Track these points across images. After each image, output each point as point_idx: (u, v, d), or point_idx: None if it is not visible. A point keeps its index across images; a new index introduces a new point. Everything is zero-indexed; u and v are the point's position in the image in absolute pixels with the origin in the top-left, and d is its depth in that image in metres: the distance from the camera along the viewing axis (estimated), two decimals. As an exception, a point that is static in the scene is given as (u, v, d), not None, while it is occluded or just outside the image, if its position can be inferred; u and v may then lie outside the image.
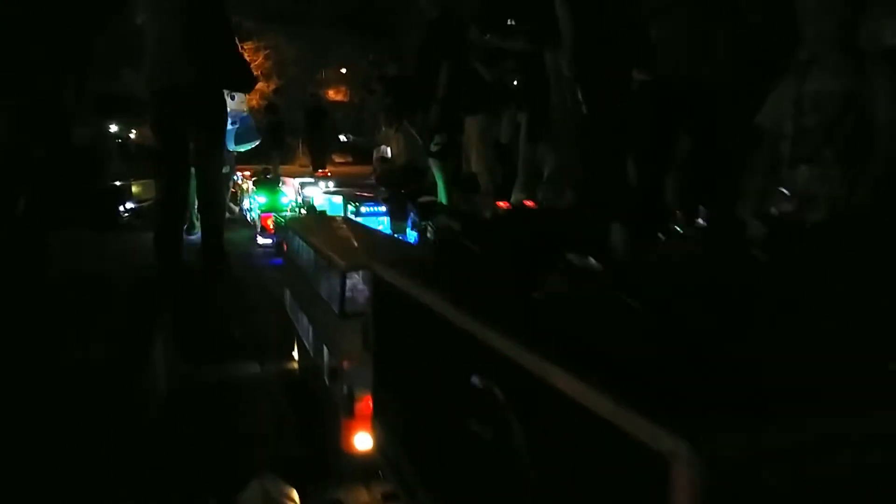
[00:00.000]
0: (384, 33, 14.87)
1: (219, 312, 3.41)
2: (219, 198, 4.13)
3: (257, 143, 6.00)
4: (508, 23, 5.07)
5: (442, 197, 6.27)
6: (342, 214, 4.91)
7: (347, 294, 1.77)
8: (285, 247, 2.87)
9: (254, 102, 12.22)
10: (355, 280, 1.78)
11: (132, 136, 16.32)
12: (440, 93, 5.73)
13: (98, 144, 10.34)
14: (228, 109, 4.37)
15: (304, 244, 2.34)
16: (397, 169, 8.19)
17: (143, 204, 7.14)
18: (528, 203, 1.26)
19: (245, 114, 5.57)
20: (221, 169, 4.20)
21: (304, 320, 2.34)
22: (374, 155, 10.56)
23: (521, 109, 6.01)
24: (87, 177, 7.36)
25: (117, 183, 7.10)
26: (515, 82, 6.13)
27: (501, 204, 1.22)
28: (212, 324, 3.22)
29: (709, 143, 3.54)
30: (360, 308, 1.76)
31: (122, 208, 6.88)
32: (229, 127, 4.96)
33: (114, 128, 16.13)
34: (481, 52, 6.02)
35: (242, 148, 5.83)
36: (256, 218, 5.44)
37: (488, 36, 5.11)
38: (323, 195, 5.53)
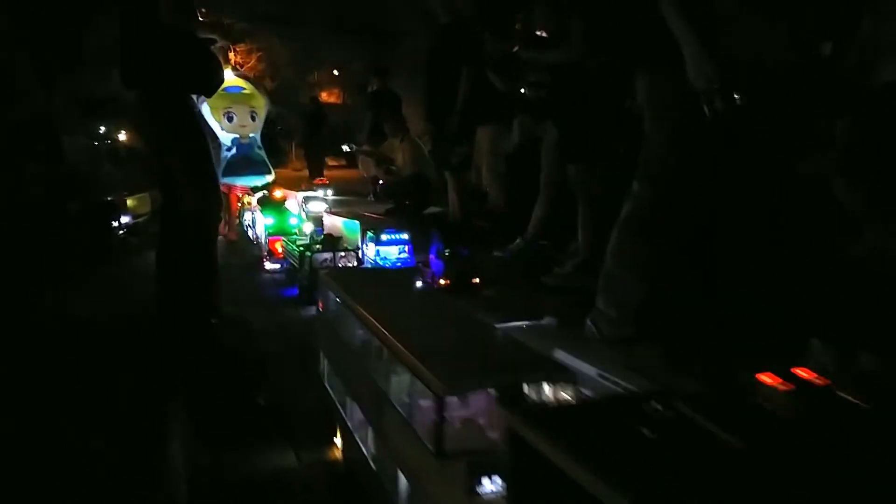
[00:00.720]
0: (378, 36, 14.35)
1: (235, 369, 2.91)
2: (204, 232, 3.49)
3: (262, 179, 4.60)
4: (540, 33, 4.60)
5: (458, 211, 5.78)
6: (358, 241, 4.40)
7: (447, 424, 1.28)
8: (321, 304, 2.37)
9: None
10: (458, 408, 1.30)
11: (122, 137, 15.72)
12: (460, 103, 5.24)
13: (89, 152, 9.77)
14: (226, 132, 3.81)
15: (360, 319, 1.85)
16: (403, 180, 7.71)
17: (139, 219, 6.60)
18: (806, 373, 0.80)
19: (246, 141, 4.27)
20: (206, 189, 3.48)
21: (357, 415, 1.85)
22: (360, 158, 10.08)
23: (538, 121, 5.54)
24: (78, 191, 6.83)
25: (110, 198, 6.52)
26: (526, 92, 5.68)
27: (775, 381, 0.76)
28: (229, 386, 2.72)
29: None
30: (464, 446, 1.28)
31: (116, 224, 6.31)
32: (223, 153, 4.26)
33: (102, 128, 15.52)
34: (494, 61, 5.55)
35: (238, 181, 4.60)
36: (263, 241, 4.92)
37: (517, 48, 4.61)
38: (334, 216, 5.00)
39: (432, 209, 7.42)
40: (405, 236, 4.19)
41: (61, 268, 4.62)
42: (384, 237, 4.14)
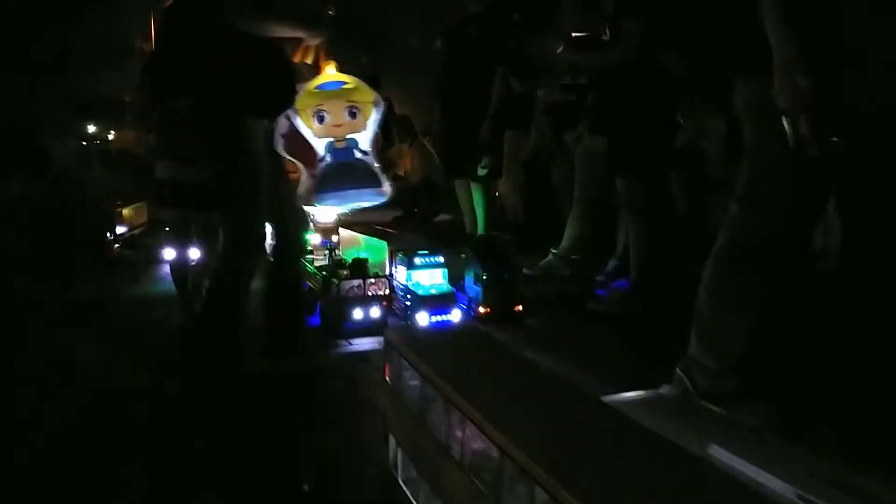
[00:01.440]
0: (372, 36, 13.71)
1: (263, 433, 2.33)
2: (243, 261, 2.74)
3: (372, 197, 2.93)
4: (580, 34, 4.05)
5: (480, 224, 5.21)
6: (385, 264, 3.83)
7: None
8: (388, 371, 1.81)
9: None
10: None
11: (111, 137, 14.98)
12: (493, 108, 4.69)
13: (79, 155, 9.12)
14: (318, 138, 2.74)
15: (472, 422, 1.30)
16: (411, 186, 7.15)
17: (135, 230, 5.98)
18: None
19: (343, 145, 2.79)
20: (253, 218, 2.72)
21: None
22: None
23: (569, 127, 4.98)
24: (68, 200, 6.23)
25: (104, 209, 5.87)
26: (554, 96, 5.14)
27: None
28: (262, 459, 2.15)
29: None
30: None
31: (110, 235, 5.66)
32: (320, 166, 2.85)
33: (91, 128, 14.78)
34: (512, 61, 5.00)
35: (335, 202, 2.96)
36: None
37: (561, 48, 4.06)
38: (350, 231, 4.39)
39: (443, 216, 6.87)
40: (440, 258, 3.63)
41: (52, 295, 4.01)
42: (417, 260, 3.59)
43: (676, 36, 3.46)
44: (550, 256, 4.72)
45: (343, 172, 2.70)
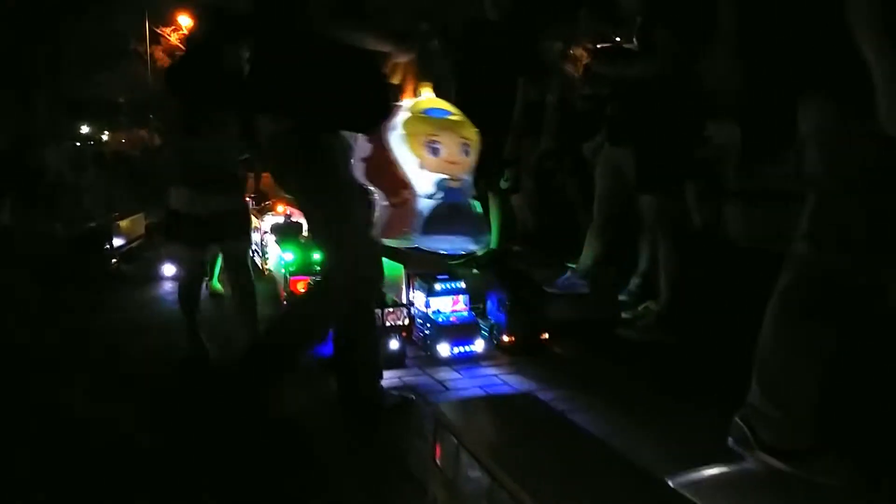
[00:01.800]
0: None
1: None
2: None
3: (475, 244, 2.46)
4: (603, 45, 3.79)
5: (495, 238, 4.93)
6: (402, 289, 3.56)
7: None
8: (439, 451, 1.55)
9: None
10: None
11: (104, 137, 14.68)
12: (516, 120, 4.43)
13: (75, 158, 8.84)
14: (428, 171, 2.32)
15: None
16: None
17: (133, 242, 5.68)
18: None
19: (457, 185, 2.34)
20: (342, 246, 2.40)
21: None
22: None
23: (587, 138, 4.72)
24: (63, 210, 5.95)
25: (98, 221, 5.58)
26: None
27: None
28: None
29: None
30: None
31: (107, 246, 5.35)
32: (419, 203, 2.31)
33: (85, 129, 14.48)
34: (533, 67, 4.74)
35: (440, 245, 2.44)
36: (282, 280, 4.05)
37: (589, 60, 3.80)
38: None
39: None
40: (462, 284, 3.37)
41: (47, 322, 3.73)
42: (437, 286, 3.32)
43: (727, 47, 3.20)
44: (568, 273, 4.45)
45: (455, 215, 2.26)
